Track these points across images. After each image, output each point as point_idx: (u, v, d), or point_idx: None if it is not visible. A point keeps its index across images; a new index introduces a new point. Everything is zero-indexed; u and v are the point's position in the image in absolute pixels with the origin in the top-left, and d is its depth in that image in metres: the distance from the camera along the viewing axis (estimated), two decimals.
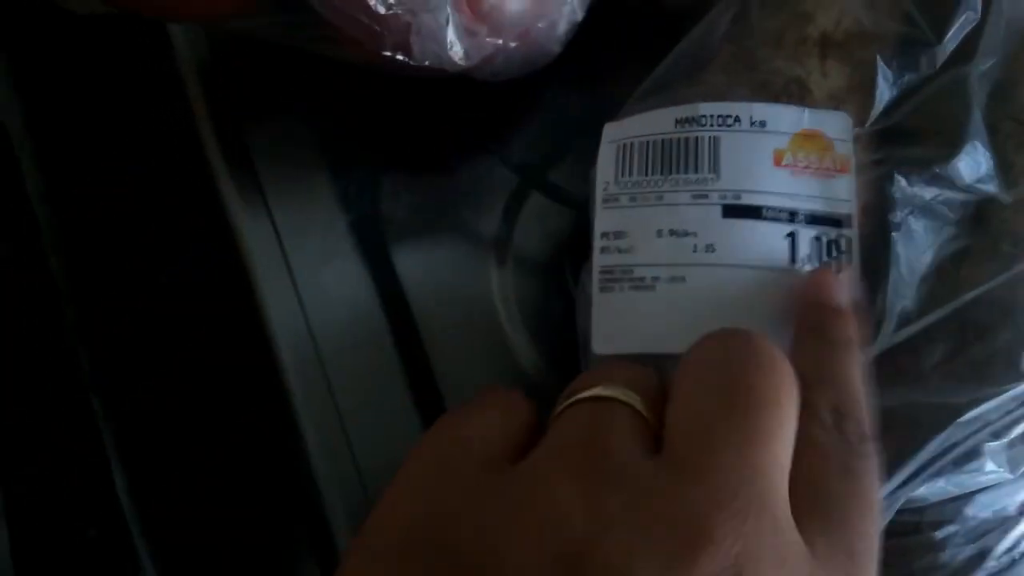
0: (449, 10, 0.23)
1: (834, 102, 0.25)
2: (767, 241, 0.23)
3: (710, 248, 0.23)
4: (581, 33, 0.32)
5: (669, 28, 0.30)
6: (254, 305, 0.33)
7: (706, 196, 0.23)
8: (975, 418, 0.21)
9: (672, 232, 0.23)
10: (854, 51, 0.26)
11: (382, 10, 0.21)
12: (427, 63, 0.23)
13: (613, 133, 0.26)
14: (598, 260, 0.24)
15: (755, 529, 0.17)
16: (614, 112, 0.29)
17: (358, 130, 0.34)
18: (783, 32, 0.26)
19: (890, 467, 0.21)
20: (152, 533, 0.33)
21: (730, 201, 0.23)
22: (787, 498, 0.18)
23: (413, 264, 0.32)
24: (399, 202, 0.34)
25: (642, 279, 0.23)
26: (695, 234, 0.23)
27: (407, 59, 0.22)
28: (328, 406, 0.31)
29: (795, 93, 0.25)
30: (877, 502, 0.19)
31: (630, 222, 0.24)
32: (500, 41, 0.25)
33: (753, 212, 0.23)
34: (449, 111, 0.34)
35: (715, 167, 0.24)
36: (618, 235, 0.24)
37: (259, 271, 0.32)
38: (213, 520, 0.33)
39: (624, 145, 0.25)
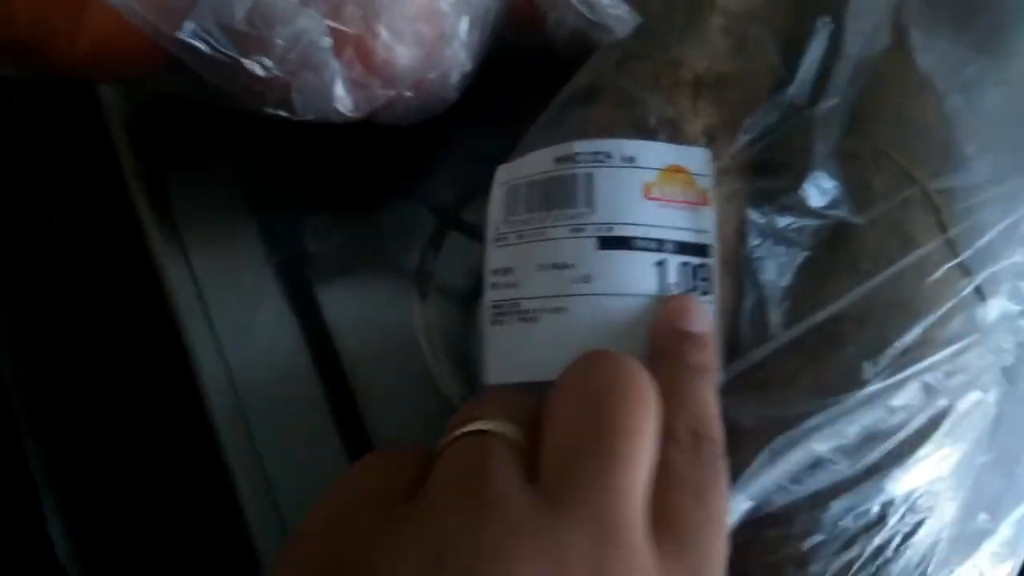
0: (337, 66, 0.24)
1: (705, 139, 0.27)
2: (638, 270, 0.24)
3: (587, 279, 0.24)
4: (489, 79, 0.33)
5: (567, 72, 0.32)
6: (179, 350, 0.33)
7: (583, 230, 0.24)
8: (817, 426, 0.22)
9: (553, 265, 0.24)
10: (724, 91, 0.27)
11: (260, 72, 0.22)
12: (311, 117, 0.25)
13: (503, 176, 0.27)
14: (489, 296, 0.25)
15: (612, 558, 0.18)
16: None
17: (283, 176, 0.35)
18: (659, 76, 0.27)
19: (737, 477, 0.21)
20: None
21: (604, 233, 0.24)
22: (645, 522, 0.19)
23: (336, 303, 0.33)
24: (323, 243, 0.34)
25: (527, 311, 0.24)
26: (573, 266, 0.24)
27: (290, 115, 0.24)
28: (250, 446, 0.31)
29: (668, 131, 0.26)
30: (726, 524, 0.20)
31: (517, 258, 0.25)
32: (393, 92, 0.26)
33: (625, 243, 0.24)
34: (369, 155, 0.34)
35: (590, 202, 0.24)
36: (506, 271, 0.25)
37: (182, 314, 0.32)
38: (146, 555, 0.34)
39: (512, 186, 0.26)
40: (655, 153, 0.25)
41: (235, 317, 0.33)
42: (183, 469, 0.33)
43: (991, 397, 0.24)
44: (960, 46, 0.26)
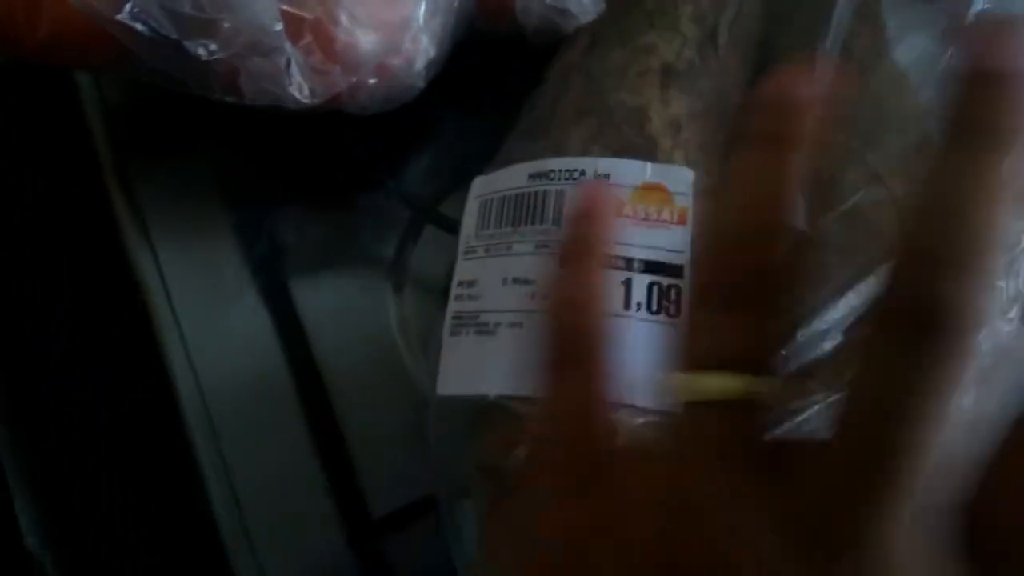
0: (291, 51, 0.23)
1: (673, 128, 0.26)
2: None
3: (547, 295, 0.22)
4: (469, 70, 0.33)
5: (547, 62, 0.31)
6: (151, 343, 0.32)
7: (548, 246, 0.23)
8: None
9: (515, 280, 0.23)
10: (694, 80, 0.26)
11: (203, 55, 0.21)
12: (262, 104, 0.24)
13: (477, 188, 0.26)
14: (451, 307, 0.25)
15: None
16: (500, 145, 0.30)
17: (260, 168, 0.34)
18: (627, 64, 0.26)
19: None
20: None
21: None
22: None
23: (311, 295, 0.32)
24: (298, 235, 0.33)
25: (486, 324, 0.23)
26: (534, 282, 0.23)
27: (239, 101, 0.23)
28: (216, 439, 0.30)
29: (635, 121, 0.25)
30: None
31: (482, 271, 0.24)
32: (355, 78, 0.25)
33: None
34: (347, 146, 0.33)
35: (559, 219, 0.24)
36: (471, 284, 0.24)
37: (151, 307, 0.32)
38: (116, 546, 0.33)
39: (486, 200, 0.26)
40: (631, 170, 0.24)
41: (208, 310, 0.32)
42: (154, 461, 0.33)
43: (967, 402, 0.23)
44: (935, 38, 0.25)
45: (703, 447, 0.15)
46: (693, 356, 0.16)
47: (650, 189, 0.24)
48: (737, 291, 0.16)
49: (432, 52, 0.26)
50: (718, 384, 0.16)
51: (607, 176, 0.24)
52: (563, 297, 0.19)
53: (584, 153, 0.25)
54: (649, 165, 0.24)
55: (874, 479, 0.13)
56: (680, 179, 0.24)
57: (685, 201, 0.24)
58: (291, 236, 0.34)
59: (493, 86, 0.32)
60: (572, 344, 0.19)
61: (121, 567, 0.32)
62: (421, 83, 0.27)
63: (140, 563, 0.32)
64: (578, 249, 0.20)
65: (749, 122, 0.17)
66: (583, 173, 0.24)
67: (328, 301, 0.33)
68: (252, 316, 0.32)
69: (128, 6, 0.20)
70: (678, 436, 0.16)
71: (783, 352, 0.16)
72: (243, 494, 0.30)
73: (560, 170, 0.24)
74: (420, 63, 0.26)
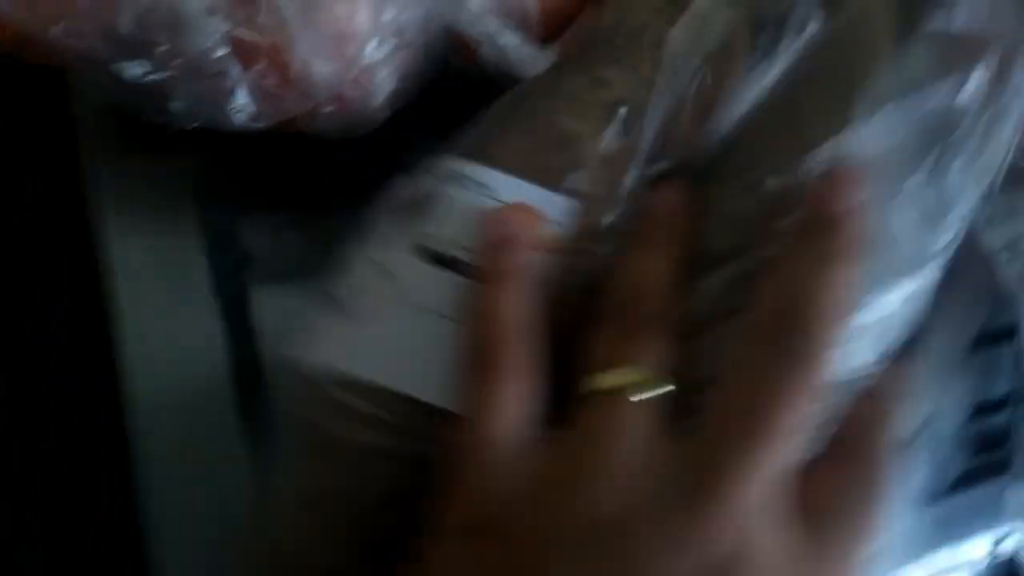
0: (241, 76, 0.23)
1: (606, 163, 0.25)
2: (458, 292, 0.23)
3: (406, 291, 0.24)
4: (459, 100, 0.32)
5: None
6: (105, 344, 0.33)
7: (418, 244, 0.24)
8: None
9: (382, 273, 0.24)
10: (640, 119, 0.25)
11: (132, 74, 0.22)
12: (195, 125, 0.24)
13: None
14: (331, 286, 0.25)
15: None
16: None
17: (239, 176, 0.34)
18: (578, 93, 0.26)
19: None
20: None
21: (433, 249, 0.24)
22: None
23: (271, 307, 0.32)
24: (270, 246, 0.33)
25: (350, 311, 0.24)
26: (397, 276, 0.24)
27: (171, 121, 0.23)
28: (150, 439, 0.31)
29: (569, 148, 0.25)
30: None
31: (363, 261, 0.25)
32: (310, 105, 0.26)
33: (451, 263, 0.24)
34: (330, 163, 0.33)
35: (436, 219, 0.24)
36: (352, 272, 0.25)
37: (110, 307, 0.32)
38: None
39: (394, 197, 0.26)
40: (516, 189, 0.24)
41: (162, 313, 0.32)
42: (96, 461, 0.33)
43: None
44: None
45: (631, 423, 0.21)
46: (597, 360, 0.22)
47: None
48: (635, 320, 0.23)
49: (391, 85, 0.26)
50: (629, 377, 0.21)
51: (491, 189, 0.25)
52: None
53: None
54: (535, 189, 0.24)
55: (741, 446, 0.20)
56: (560, 208, 0.24)
57: (556, 228, 0.24)
58: (262, 246, 0.34)
59: (478, 110, 0.32)
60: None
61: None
62: (383, 114, 0.27)
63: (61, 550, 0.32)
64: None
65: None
66: (470, 179, 0.25)
67: (288, 315, 0.33)
68: (207, 323, 0.32)
69: (62, 24, 0.20)
70: (600, 420, 0.21)
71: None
72: (168, 493, 0.30)
73: (452, 172, 0.25)
74: (379, 95, 0.26)
